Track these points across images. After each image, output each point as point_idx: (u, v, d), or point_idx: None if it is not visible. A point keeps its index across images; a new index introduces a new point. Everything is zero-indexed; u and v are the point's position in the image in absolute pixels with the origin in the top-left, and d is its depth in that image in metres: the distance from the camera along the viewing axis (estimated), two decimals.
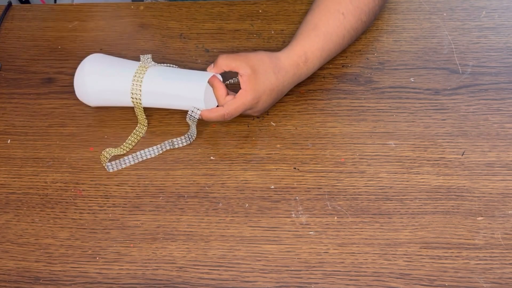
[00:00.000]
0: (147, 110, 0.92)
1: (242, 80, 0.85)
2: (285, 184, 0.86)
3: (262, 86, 0.85)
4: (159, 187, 0.87)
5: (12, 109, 0.97)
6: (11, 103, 0.97)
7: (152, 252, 0.81)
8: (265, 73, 0.85)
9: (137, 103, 0.88)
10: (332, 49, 0.91)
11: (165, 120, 0.93)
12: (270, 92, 0.86)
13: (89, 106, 0.95)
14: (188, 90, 0.86)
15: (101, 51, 1.01)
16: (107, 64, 0.90)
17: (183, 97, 0.87)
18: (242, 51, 0.99)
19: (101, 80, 0.89)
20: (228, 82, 0.91)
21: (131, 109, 0.93)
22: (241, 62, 0.85)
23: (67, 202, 0.86)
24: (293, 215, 0.83)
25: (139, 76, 0.88)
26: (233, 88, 0.90)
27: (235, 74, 0.88)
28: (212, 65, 0.87)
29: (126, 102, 0.90)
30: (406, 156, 0.87)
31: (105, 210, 0.85)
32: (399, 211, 0.82)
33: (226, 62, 0.86)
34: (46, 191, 0.88)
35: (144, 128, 0.92)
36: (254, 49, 0.99)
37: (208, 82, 0.86)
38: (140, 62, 0.89)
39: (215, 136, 0.91)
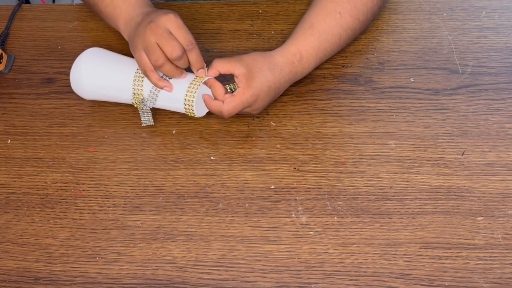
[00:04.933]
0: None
1: (239, 80, 0.85)
2: (285, 184, 0.86)
3: (259, 83, 0.85)
4: (159, 187, 0.87)
5: (12, 109, 0.97)
6: (11, 103, 0.97)
7: (152, 252, 0.81)
8: (261, 71, 0.86)
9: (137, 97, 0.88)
10: (328, 48, 0.91)
11: (165, 120, 0.93)
12: (268, 89, 0.87)
13: (89, 106, 0.95)
14: (181, 93, 0.87)
15: None
16: (107, 57, 0.91)
17: (175, 99, 0.87)
18: (242, 51, 0.99)
19: (98, 72, 0.89)
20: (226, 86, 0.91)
21: (132, 109, 0.93)
22: (235, 63, 0.85)
23: (67, 202, 0.86)
24: (293, 215, 0.83)
25: (140, 72, 0.88)
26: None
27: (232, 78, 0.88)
28: (206, 69, 0.86)
29: (122, 96, 0.90)
30: (406, 156, 0.87)
31: (105, 210, 0.85)
32: (399, 211, 0.82)
33: (220, 64, 0.86)
34: (46, 191, 0.88)
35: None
36: (254, 49, 0.99)
37: (206, 83, 0.86)
38: None
39: (215, 136, 0.91)
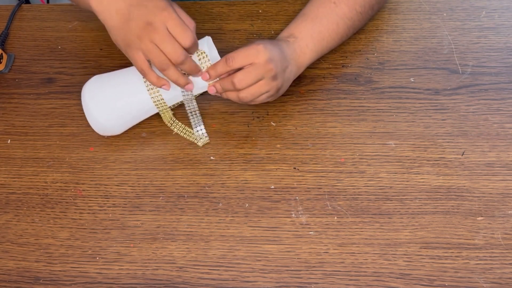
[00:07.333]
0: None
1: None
2: (285, 184, 0.86)
3: (273, 52, 0.82)
4: (159, 187, 0.87)
5: (12, 109, 0.97)
6: (11, 103, 0.97)
7: (152, 252, 0.81)
8: (272, 45, 0.83)
9: (162, 106, 0.87)
10: (324, 32, 0.90)
11: None
12: (279, 58, 0.83)
13: None
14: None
15: (101, 51, 1.01)
16: (109, 87, 0.86)
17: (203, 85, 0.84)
18: None
19: (112, 109, 0.86)
20: None
21: None
22: (249, 50, 0.82)
23: (67, 202, 0.86)
24: (293, 215, 0.83)
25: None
26: None
27: None
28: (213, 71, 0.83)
29: (146, 113, 0.89)
30: (406, 156, 0.87)
31: (105, 210, 0.85)
32: (399, 211, 0.82)
33: (237, 62, 0.82)
34: (46, 191, 0.88)
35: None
36: None
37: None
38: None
39: (215, 136, 0.91)
